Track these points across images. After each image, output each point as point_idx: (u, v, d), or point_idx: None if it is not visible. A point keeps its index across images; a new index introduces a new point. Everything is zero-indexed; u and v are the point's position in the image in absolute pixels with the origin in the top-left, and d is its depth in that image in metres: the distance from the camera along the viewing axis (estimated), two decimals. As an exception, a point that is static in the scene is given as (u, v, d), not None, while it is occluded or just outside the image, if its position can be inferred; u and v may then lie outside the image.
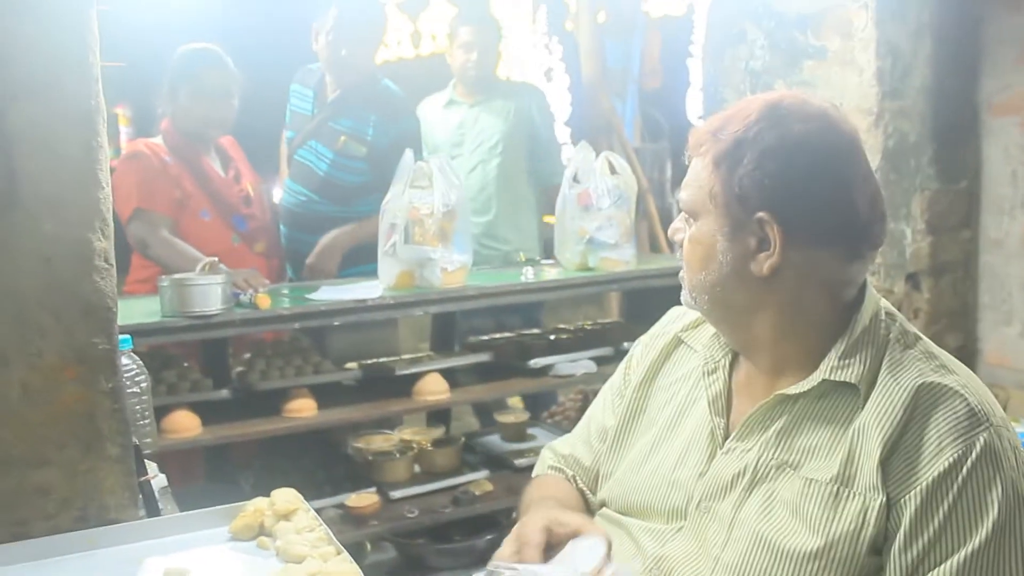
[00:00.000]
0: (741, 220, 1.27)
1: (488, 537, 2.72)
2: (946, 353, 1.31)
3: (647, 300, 3.03)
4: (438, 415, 3.13)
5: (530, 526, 1.34)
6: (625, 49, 5.51)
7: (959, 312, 2.75)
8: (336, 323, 2.40)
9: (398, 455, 2.69)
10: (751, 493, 1.28)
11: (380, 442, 2.77)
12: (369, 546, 2.83)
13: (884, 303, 1.35)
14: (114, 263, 1.50)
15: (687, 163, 1.38)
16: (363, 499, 2.52)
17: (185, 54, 3.15)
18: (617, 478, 1.49)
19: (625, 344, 2.85)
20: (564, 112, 5.90)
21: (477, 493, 2.63)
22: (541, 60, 6.25)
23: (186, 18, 3.43)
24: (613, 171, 2.80)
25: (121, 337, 1.63)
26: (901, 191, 2.57)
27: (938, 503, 1.16)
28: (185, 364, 2.55)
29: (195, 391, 2.42)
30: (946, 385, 1.22)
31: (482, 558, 2.70)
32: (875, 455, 1.19)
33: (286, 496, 1.55)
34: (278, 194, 3.74)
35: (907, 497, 1.18)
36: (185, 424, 2.33)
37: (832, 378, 1.26)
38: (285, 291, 2.67)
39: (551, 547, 1.32)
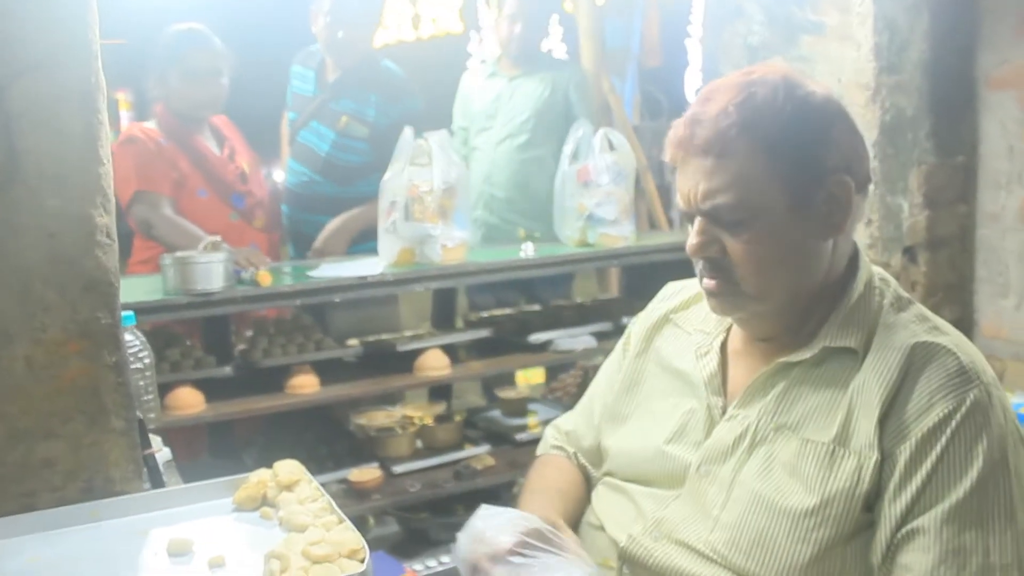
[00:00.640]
0: (810, 192, 1.27)
1: (490, 511, 2.75)
2: (937, 317, 1.35)
3: (646, 275, 3.05)
4: (440, 391, 3.15)
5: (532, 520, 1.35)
6: (625, 28, 5.50)
7: (956, 285, 2.76)
8: (337, 300, 2.42)
9: (400, 431, 2.71)
10: (751, 455, 1.31)
11: (382, 418, 2.79)
12: (372, 520, 2.85)
13: (878, 270, 1.39)
14: (116, 239, 1.51)
15: (675, 164, 1.34)
16: (366, 474, 2.55)
17: (172, 36, 3.15)
18: (617, 450, 1.51)
19: (624, 319, 2.87)
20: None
21: (479, 468, 2.66)
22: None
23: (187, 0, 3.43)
24: (612, 148, 2.81)
25: (124, 314, 1.64)
26: (898, 165, 2.58)
27: (925, 455, 1.19)
28: (188, 342, 2.58)
29: (198, 368, 2.45)
30: (939, 344, 1.25)
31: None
32: (874, 415, 1.23)
33: (289, 467, 1.57)
34: (280, 175, 3.75)
35: (898, 450, 1.21)
36: (188, 401, 2.35)
37: (832, 344, 1.30)
38: (287, 269, 2.69)
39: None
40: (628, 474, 1.47)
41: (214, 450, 2.77)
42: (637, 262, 2.85)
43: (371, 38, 3.56)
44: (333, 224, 3.26)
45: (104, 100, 1.47)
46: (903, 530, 1.19)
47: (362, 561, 1.30)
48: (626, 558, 1.38)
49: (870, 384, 1.25)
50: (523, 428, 2.91)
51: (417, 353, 2.65)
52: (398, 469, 2.62)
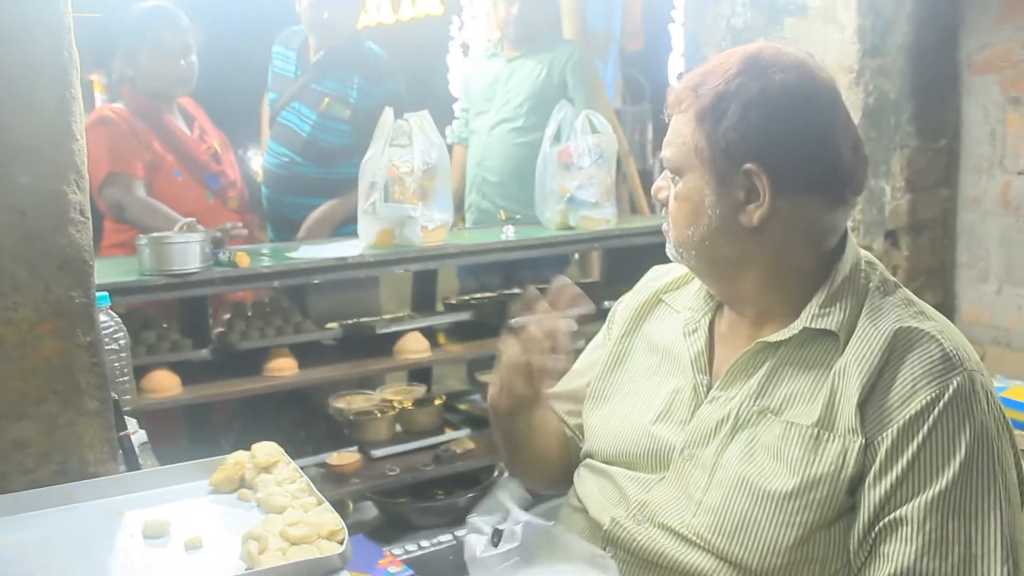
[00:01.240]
0: (728, 173, 1.28)
1: (470, 495, 2.74)
2: (923, 302, 1.33)
3: (628, 259, 3.04)
4: (420, 375, 3.13)
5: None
6: (607, 11, 5.47)
7: (937, 270, 2.77)
8: (316, 281, 2.39)
9: (379, 414, 2.69)
10: (733, 438, 1.31)
11: (361, 402, 2.77)
12: (351, 505, 2.84)
13: (865, 253, 1.38)
14: (89, 216, 1.48)
15: (667, 121, 1.38)
16: (344, 458, 2.53)
17: (140, 13, 3.12)
18: (601, 429, 1.51)
19: (606, 303, 2.84)
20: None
21: (458, 451, 2.64)
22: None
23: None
24: (594, 130, 2.79)
25: (99, 294, 1.62)
26: (881, 149, 2.58)
27: (908, 442, 1.18)
28: (164, 325, 2.54)
29: (175, 351, 2.41)
30: (923, 330, 1.23)
31: (464, 516, 2.71)
32: (854, 398, 1.22)
33: (267, 449, 1.55)
34: (258, 157, 3.72)
35: (881, 437, 1.20)
36: (165, 384, 2.32)
37: (813, 326, 1.29)
38: (265, 251, 2.66)
39: None
40: (611, 455, 1.46)
41: (191, 435, 2.74)
42: (618, 245, 2.84)
43: (355, 19, 3.53)
44: (316, 213, 3.25)
45: (77, 74, 1.43)
46: (885, 519, 1.19)
47: (341, 542, 1.28)
48: (609, 539, 1.37)
49: (851, 367, 1.24)
50: (504, 412, 2.89)
51: (397, 336, 2.63)
52: (377, 453, 2.60)
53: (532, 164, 3.35)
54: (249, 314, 2.61)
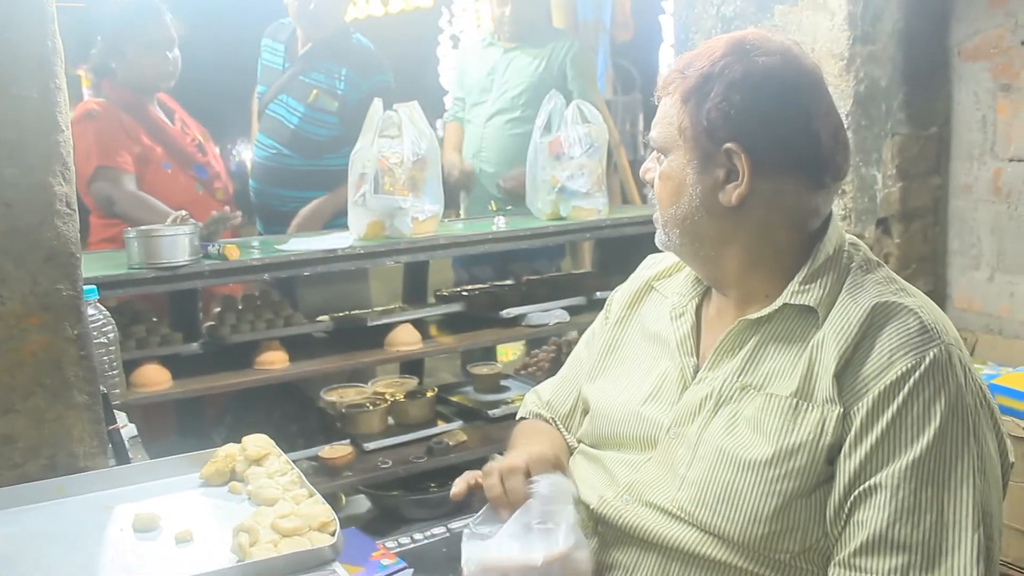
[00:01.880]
0: (709, 152, 1.31)
1: (463, 487, 2.73)
2: (905, 281, 1.35)
3: (619, 249, 3.03)
4: (412, 367, 3.12)
5: (514, 458, 1.38)
6: (597, 1, 5.45)
7: (929, 257, 2.77)
8: (306, 273, 2.37)
9: (371, 407, 2.68)
10: (716, 414, 1.33)
11: (353, 394, 2.76)
12: (344, 498, 2.83)
13: (849, 236, 1.39)
14: (76, 209, 1.47)
15: (656, 104, 1.41)
16: (337, 451, 2.52)
17: (122, 6, 3.11)
18: (594, 409, 1.53)
19: (598, 293, 2.85)
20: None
21: (451, 443, 2.63)
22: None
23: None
24: (584, 120, 2.78)
25: (87, 287, 1.61)
26: (872, 136, 2.57)
27: (883, 411, 1.20)
28: (154, 319, 2.53)
29: (165, 345, 2.40)
30: (902, 303, 1.25)
31: (456, 508, 2.71)
32: (831, 368, 1.24)
33: (258, 441, 1.55)
34: (248, 151, 3.71)
35: (857, 406, 1.22)
36: (155, 378, 2.30)
37: (793, 302, 1.31)
38: (255, 243, 2.64)
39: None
40: (603, 437, 1.49)
41: (183, 429, 2.73)
42: (609, 235, 2.83)
43: (342, 11, 3.52)
44: (306, 209, 3.25)
45: (62, 64, 1.42)
46: (860, 488, 1.20)
47: (333, 534, 1.28)
48: (598, 519, 1.40)
49: (829, 339, 1.26)
50: (496, 404, 2.89)
51: (388, 328, 2.62)
52: (370, 446, 2.59)
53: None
54: (240, 307, 2.59)
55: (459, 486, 1.45)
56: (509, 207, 3.11)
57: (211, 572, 1.17)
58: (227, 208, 2.89)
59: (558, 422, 1.65)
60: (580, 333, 1.79)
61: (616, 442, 1.46)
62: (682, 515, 1.30)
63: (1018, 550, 1.98)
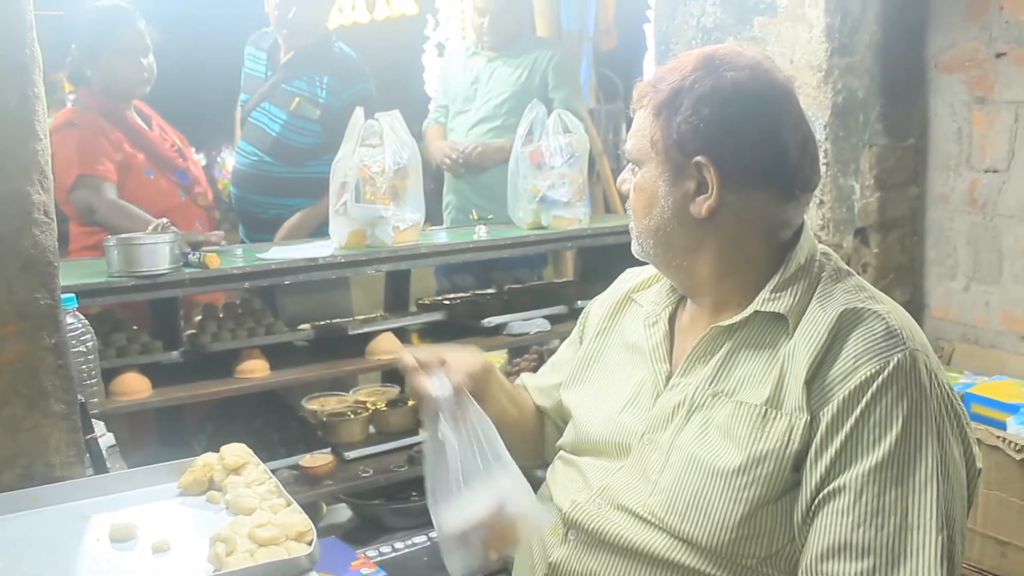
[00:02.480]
0: (680, 165, 1.34)
1: (444, 496, 2.73)
2: (875, 289, 1.38)
3: (601, 258, 3.04)
4: (394, 376, 3.12)
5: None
6: (580, 10, 5.47)
7: (907, 267, 2.79)
8: (287, 282, 2.37)
9: (352, 415, 2.68)
10: (688, 421, 1.35)
11: (335, 403, 2.76)
12: (325, 507, 2.83)
13: (821, 246, 1.42)
14: (54, 217, 1.47)
15: (631, 116, 1.44)
16: (317, 459, 2.51)
17: (95, 13, 3.10)
18: (573, 420, 1.56)
19: (579, 302, 2.86)
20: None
21: (432, 452, 2.63)
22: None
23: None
24: (566, 129, 2.79)
25: (65, 296, 1.60)
26: (850, 147, 2.59)
27: (847, 416, 1.22)
28: (134, 327, 2.52)
29: (145, 353, 2.39)
30: (869, 309, 1.28)
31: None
32: (801, 376, 1.26)
33: (236, 450, 1.55)
34: (231, 158, 3.72)
35: (823, 411, 1.24)
36: (134, 386, 2.29)
37: (764, 309, 1.34)
38: (237, 251, 2.64)
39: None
40: (581, 444, 1.52)
41: (163, 438, 2.72)
42: (591, 244, 2.84)
43: (324, 19, 3.53)
44: (290, 221, 3.26)
45: (39, 73, 1.42)
46: (824, 491, 1.22)
47: (309, 543, 1.28)
48: (570, 524, 1.42)
49: (800, 347, 1.28)
50: (477, 412, 2.89)
51: (369, 337, 2.62)
52: (350, 455, 2.58)
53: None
54: (221, 316, 2.59)
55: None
56: (490, 215, 3.12)
57: (188, 582, 1.18)
58: (217, 232, 2.87)
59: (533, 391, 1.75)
60: (561, 342, 1.81)
61: (593, 449, 1.49)
62: (653, 520, 1.33)
63: (992, 558, 1.99)
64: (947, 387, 1.28)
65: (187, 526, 1.41)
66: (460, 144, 3.78)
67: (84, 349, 1.78)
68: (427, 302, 3.03)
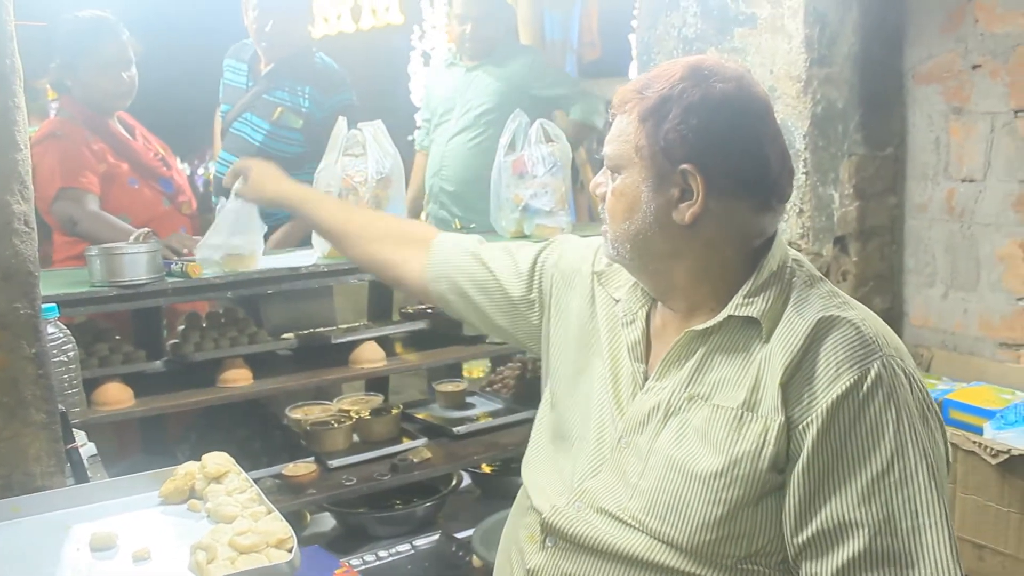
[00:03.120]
0: (665, 172, 1.34)
1: (427, 504, 2.74)
2: (848, 296, 1.40)
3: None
4: (377, 385, 3.13)
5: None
6: (564, 20, 5.50)
7: (886, 275, 2.82)
8: (269, 291, 2.38)
9: (336, 424, 2.69)
10: (666, 425, 1.37)
11: (318, 412, 2.77)
12: (309, 516, 2.83)
13: (793, 252, 1.45)
14: (35, 227, 1.48)
15: (611, 121, 1.44)
16: (300, 468, 2.51)
17: (77, 24, 3.07)
18: (554, 406, 1.58)
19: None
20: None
21: (415, 460, 2.64)
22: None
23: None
24: (548, 139, 2.81)
25: (47, 305, 1.61)
26: (829, 157, 2.62)
27: (836, 427, 1.24)
28: (117, 337, 2.52)
29: (128, 363, 2.39)
30: (844, 317, 1.30)
31: (422, 525, 2.73)
32: (777, 379, 1.28)
33: (217, 459, 1.55)
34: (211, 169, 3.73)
35: (807, 421, 1.25)
36: (117, 396, 2.30)
37: (738, 314, 1.35)
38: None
39: None
40: (561, 435, 1.54)
41: (147, 447, 2.72)
42: (574, 253, 2.85)
43: (303, 30, 3.55)
44: (277, 234, 3.26)
45: (20, 83, 1.43)
46: (829, 507, 1.23)
47: (290, 551, 1.29)
48: (548, 530, 1.43)
49: (776, 352, 1.30)
50: (461, 421, 2.90)
51: (352, 346, 2.63)
52: (334, 463, 2.59)
53: (490, 173, 3.39)
54: (204, 325, 2.59)
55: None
56: (472, 224, 3.13)
57: (167, 590, 1.18)
58: (191, 226, 2.88)
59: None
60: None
61: (571, 444, 1.50)
62: (633, 523, 1.34)
63: (970, 561, 2.01)
64: (924, 387, 1.31)
65: (168, 535, 1.41)
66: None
67: (65, 359, 1.78)
68: (410, 311, 3.03)
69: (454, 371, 3.55)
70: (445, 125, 3.87)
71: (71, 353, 1.81)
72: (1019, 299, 2.54)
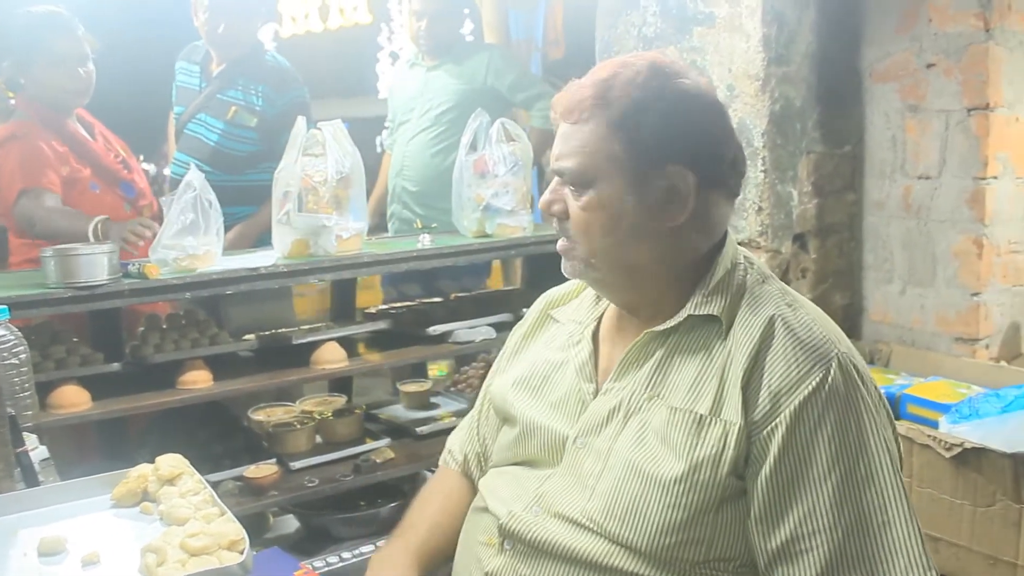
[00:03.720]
0: (649, 177, 1.32)
1: (391, 505, 2.72)
2: (796, 293, 1.41)
3: (547, 266, 3.03)
4: (341, 386, 3.12)
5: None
6: (529, 20, 5.51)
7: (845, 272, 2.85)
8: (229, 291, 2.36)
9: (298, 425, 2.67)
10: (625, 426, 1.36)
11: (281, 413, 2.75)
12: (272, 518, 2.81)
13: (742, 249, 1.45)
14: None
15: (554, 129, 1.41)
16: (262, 470, 2.49)
17: (30, 19, 3.02)
18: (498, 429, 1.58)
19: (524, 310, 2.86)
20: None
21: (379, 461, 2.63)
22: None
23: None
24: (509, 138, 2.81)
25: (-2, 308, 1.58)
26: (787, 154, 2.64)
27: (801, 430, 1.23)
28: (75, 339, 2.49)
29: (85, 365, 2.36)
30: (796, 317, 1.31)
31: (386, 526, 2.71)
32: (737, 383, 1.27)
33: (171, 461, 1.54)
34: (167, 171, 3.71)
35: (772, 425, 1.24)
36: (73, 399, 2.27)
37: (697, 312, 1.35)
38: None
39: None
40: (512, 454, 1.52)
41: (105, 451, 2.68)
42: (535, 252, 2.85)
43: (255, 31, 3.56)
44: (232, 233, 3.24)
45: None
46: (797, 513, 1.22)
47: (242, 552, 1.28)
48: (506, 534, 1.40)
49: (735, 355, 1.30)
50: (425, 421, 2.89)
51: (314, 346, 2.61)
52: (296, 464, 2.57)
53: (451, 173, 3.38)
54: (164, 327, 2.57)
55: None
56: (434, 224, 3.13)
57: (115, 593, 1.17)
58: (147, 220, 2.83)
59: (469, 462, 1.70)
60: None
61: (522, 455, 1.49)
62: (591, 526, 1.32)
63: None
64: (874, 382, 1.32)
65: (119, 538, 1.40)
66: None
67: (16, 361, 1.75)
68: (373, 312, 3.02)
69: (419, 371, 3.54)
70: (407, 125, 3.87)
71: (23, 356, 1.78)
72: (974, 294, 2.57)
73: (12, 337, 1.74)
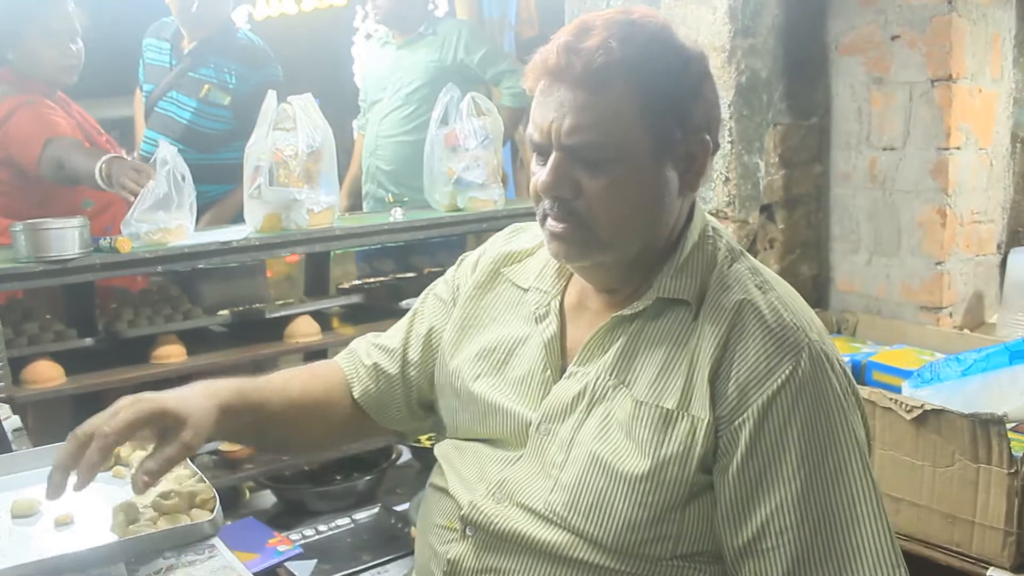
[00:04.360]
0: (675, 145, 1.26)
1: (367, 478, 2.75)
2: (768, 269, 1.37)
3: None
4: (315, 359, 3.12)
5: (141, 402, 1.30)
6: (501, -2, 5.51)
7: (812, 243, 2.88)
8: (200, 265, 2.38)
9: (273, 400, 2.68)
10: (590, 414, 1.30)
11: (255, 388, 2.76)
12: (248, 492, 2.83)
13: (710, 218, 1.40)
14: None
15: (534, 92, 1.29)
16: (237, 444, 2.52)
17: None
18: (456, 405, 1.48)
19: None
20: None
21: (353, 433, 2.65)
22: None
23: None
24: (480, 112, 2.83)
25: (-34, 280, 1.59)
26: (754, 126, 2.67)
27: (770, 425, 1.20)
28: (48, 315, 2.50)
29: (58, 341, 2.37)
30: (766, 302, 1.27)
31: (362, 499, 2.74)
32: (705, 375, 1.23)
33: (142, 427, 1.55)
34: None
35: (740, 420, 1.21)
36: (47, 374, 2.28)
37: (666, 295, 1.30)
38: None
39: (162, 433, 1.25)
40: (469, 432, 1.45)
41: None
42: (506, 225, 2.87)
43: (228, 10, 3.54)
44: (206, 217, 3.24)
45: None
46: (767, 508, 1.19)
47: (212, 510, 1.30)
48: (468, 523, 1.34)
49: (703, 345, 1.25)
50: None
51: (287, 320, 2.63)
52: (271, 438, 2.59)
53: (423, 151, 3.39)
54: (137, 302, 2.58)
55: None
56: (406, 199, 3.15)
57: (86, 549, 1.19)
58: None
59: (356, 387, 1.57)
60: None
61: (483, 434, 1.42)
62: (554, 518, 1.27)
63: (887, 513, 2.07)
64: (844, 366, 1.28)
65: (92, 501, 1.41)
66: None
67: (-13, 335, 1.76)
68: (346, 287, 3.04)
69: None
70: (379, 105, 3.88)
71: (-6, 329, 1.80)
72: (937, 263, 2.62)
73: (-18, 309, 1.75)
